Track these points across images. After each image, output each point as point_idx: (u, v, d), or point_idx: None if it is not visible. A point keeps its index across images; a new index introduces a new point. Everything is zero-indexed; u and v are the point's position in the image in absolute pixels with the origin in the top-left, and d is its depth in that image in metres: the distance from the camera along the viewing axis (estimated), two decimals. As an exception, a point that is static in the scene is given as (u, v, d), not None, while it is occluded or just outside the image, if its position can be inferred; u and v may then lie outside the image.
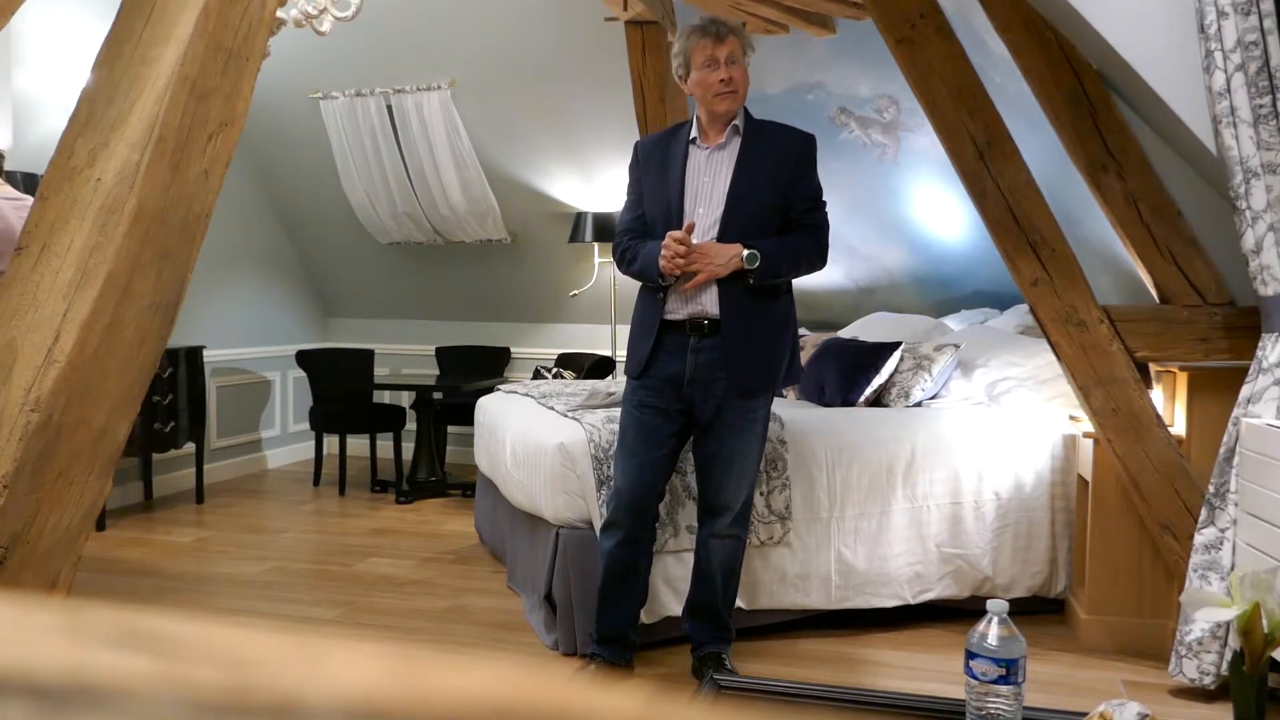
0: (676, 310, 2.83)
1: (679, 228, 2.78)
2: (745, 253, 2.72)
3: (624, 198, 3.09)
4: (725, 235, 2.80)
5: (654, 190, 2.93)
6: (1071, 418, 3.59)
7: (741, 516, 2.93)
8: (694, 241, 2.77)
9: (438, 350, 6.47)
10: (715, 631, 3.00)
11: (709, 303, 2.80)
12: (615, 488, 2.93)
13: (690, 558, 3.24)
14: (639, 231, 2.94)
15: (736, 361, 2.78)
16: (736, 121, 2.86)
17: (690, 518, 3.23)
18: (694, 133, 2.89)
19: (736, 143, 2.86)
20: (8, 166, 3.50)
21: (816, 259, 2.87)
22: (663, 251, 2.75)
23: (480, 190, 5.96)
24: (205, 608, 3.67)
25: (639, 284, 2.96)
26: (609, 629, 2.96)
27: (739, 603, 3.28)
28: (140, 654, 0.26)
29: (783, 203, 2.82)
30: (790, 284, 2.92)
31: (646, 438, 2.86)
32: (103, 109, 1.85)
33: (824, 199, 2.91)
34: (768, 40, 4.99)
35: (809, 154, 2.89)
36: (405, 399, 6.54)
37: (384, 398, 6.76)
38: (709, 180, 2.85)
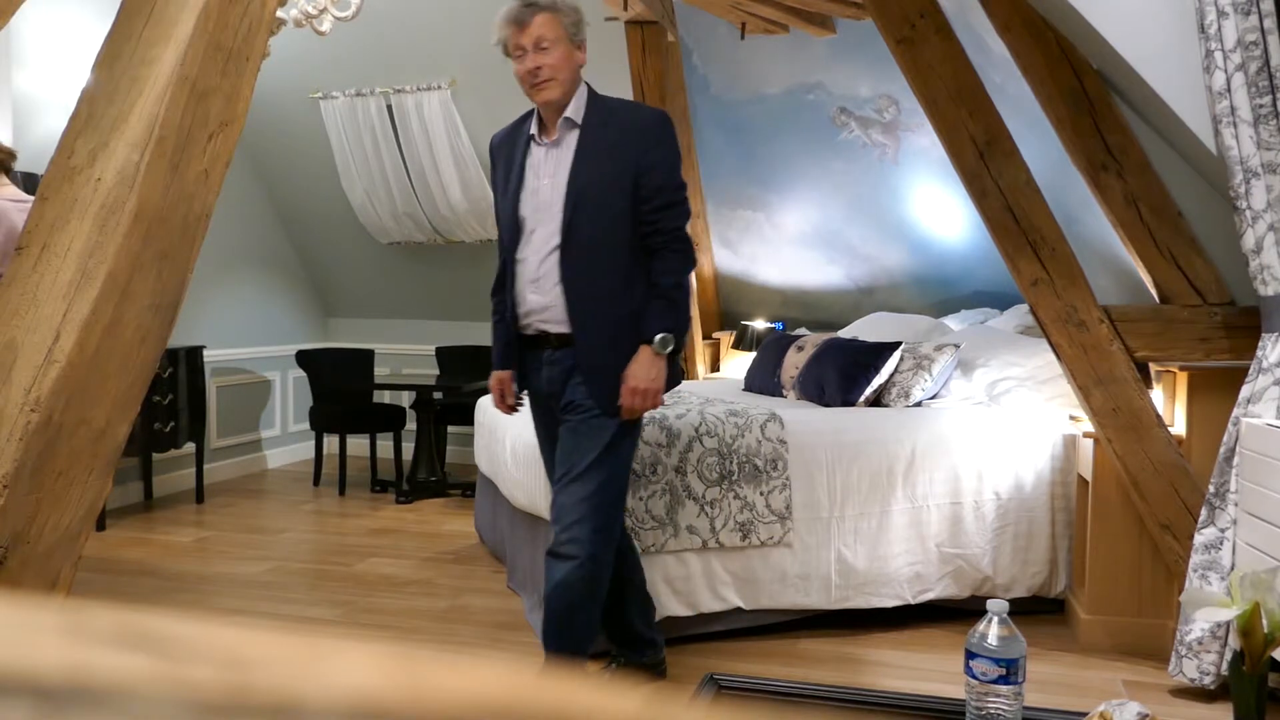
0: (527, 326, 2.61)
1: (517, 245, 2.56)
2: (655, 343, 2.48)
3: None
4: (567, 254, 2.49)
5: (499, 199, 2.65)
6: (1071, 418, 3.59)
7: (582, 539, 2.50)
8: (535, 264, 2.53)
9: (438, 350, 6.48)
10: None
11: (556, 315, 2.54)
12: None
13: (690, 558, 3.25)
14: (503, 269, 2.65)
15: (585, 374, 2.52)
16: (569, 113, 2.52)
17: (690, 518, 3.23)
18: (534, 127, 2.58)
19: (574, 137, 2.52)
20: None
21: (689, 267, 2.57)
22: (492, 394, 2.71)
23: (480, 190, 5.96)
24: (205, 608, 3.67)
25: None
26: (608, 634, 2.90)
27: (739, 602, 3.29)
28: (140, 654, 0.26)
29: (632, 201, 2.48)
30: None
31: (548, 457, 2.75)
32: (103, 109, 1.85)
33: (681, 184, 2.54)
34: (768, 40, 4.99)
35: (657, 135, 2.52)
36: (405, 399, 6.55)
37: (384, 398, 6.76)
38: (547, 184, 2.53)
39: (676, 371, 2.68)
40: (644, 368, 2.48)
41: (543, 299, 2.55)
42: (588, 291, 2.50)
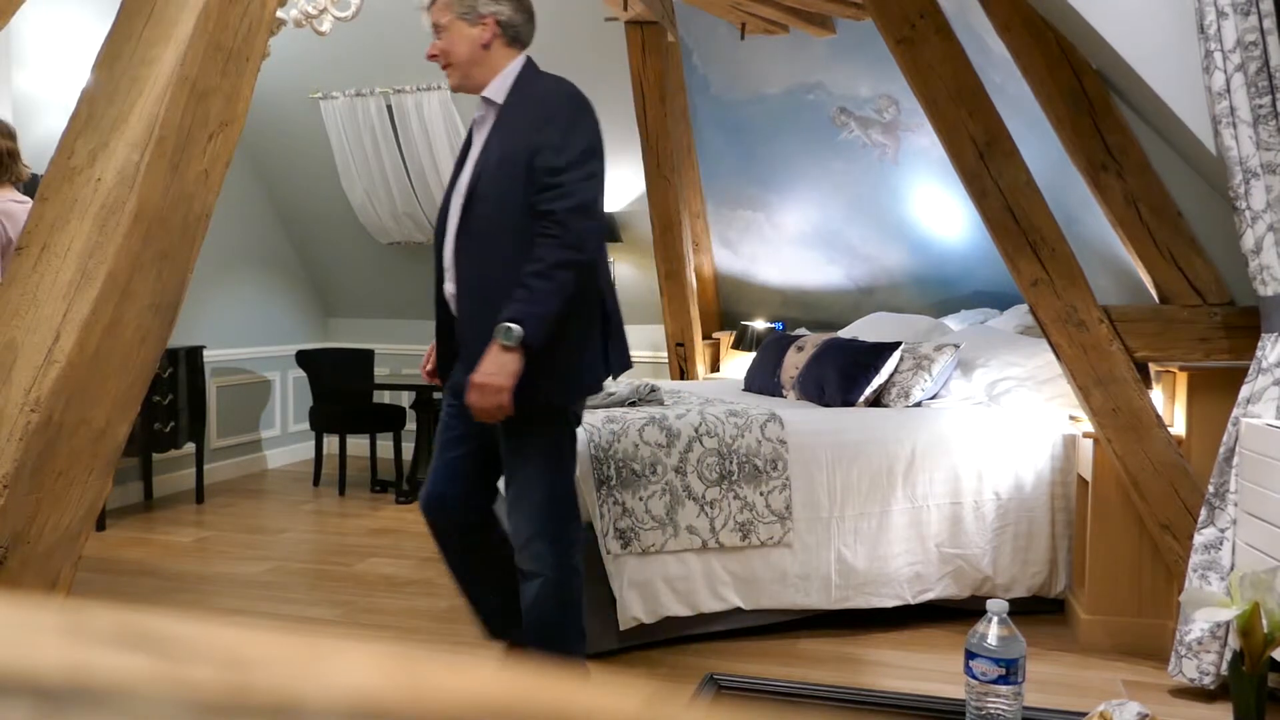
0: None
1: (443, 232, 2.44)
2: (499, 334, 2.22)
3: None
4: (462, 243, 2.35)
5: None
6: (1071, 418, 3.59)
7: (540, 554, 2.42)
8: (448, 251, 2.40)
9: (438, 350, 6.47)
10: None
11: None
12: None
13: (690, 558, 3.24)
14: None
15: (469, 374, 2.29)
16: (487, 93, 2.38)
17: (690, 518, 3.23)
18: (479, 108, 2.47)
19: (493, 117, 2.40)
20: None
21: (572, 263, 2.26)
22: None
23: (480, 190, 5.96)
24: (205, 608, 3.67)
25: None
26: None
27: (738, 602, 3.29)
28: (140, 654, 0.26)
29: (526, 185, 2.30)
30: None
31: (443, 435, 2.56)
32: (103, 109, 1.85)
33: (572, 164, 2.29)
34: (768, 40, 4.99)
35: (550, 112, 2.32)
36: (405, 399, 6.55)
37: (384, 398, 6.76)
38: (467, 168, 2.42)
39: (584, 366, 2.40)
40: (486, 362, 2.23)
41: (452, 289, 2.43)
42: (476, 284, 2.35)
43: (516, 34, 2.43)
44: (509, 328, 2.20)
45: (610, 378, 2.50)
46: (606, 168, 2.47)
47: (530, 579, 2.43)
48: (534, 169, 2.27)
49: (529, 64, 2.43)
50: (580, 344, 2.38)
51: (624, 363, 2.51)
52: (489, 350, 2.23)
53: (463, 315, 2.37)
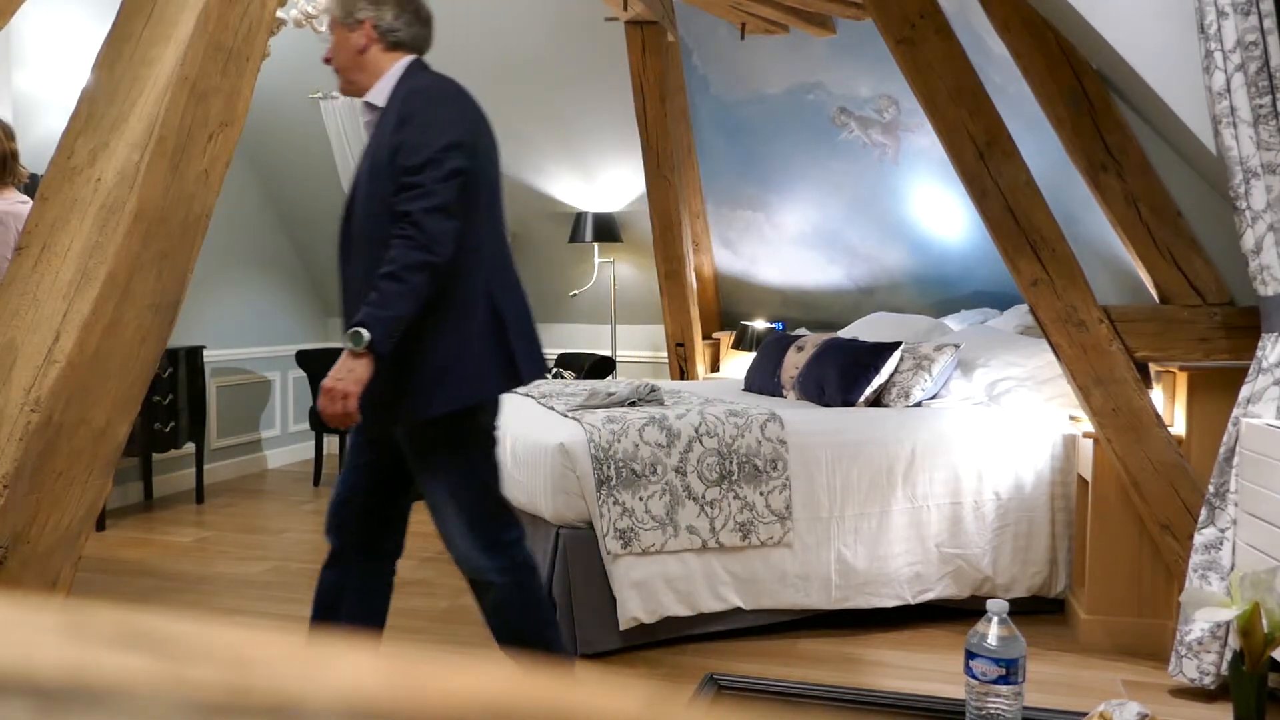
0: None
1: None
2: (348, 337, 2.12)
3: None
4: (344, 245, 2.28)
5: None
6: (1071, 418, 3.59)
7: (481, 567, 2.36)
8: (339, 262, 2.34)
9: (438, 350, 6.47)
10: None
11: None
12: None
13: (690, 558, 3.24)
14: None
15: (372, 387, 2.15)
16: (368, 97, 2.30)
17: (690, 518, 3.23)
18: (364, 113, 2.40)
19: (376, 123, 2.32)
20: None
21: (425, 265, 2.13)
22: None
23: (480, 190, 5.96)
24: (205, 608, 3.67)
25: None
26: None
27: (738, 602, 3.29)
28: (140, 654, 0.26)
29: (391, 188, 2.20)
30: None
31: (353, 441, 2.47)
32: (103, 109, 1.85)
33: (429, 162, 2.15)
34: (768, 40, 4.99)
35: (408, 110, 2.22)
36: (405, 399, 6.54)
37: (384, 398, 6.75)
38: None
39: (465, 376, 2.25)
40: (335, 367, 2.13)
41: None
42: (353, 291, 2.25)
43: (398, 39, 2.33)
44: (356, 332, 2.10)
45: (514, 386, 2.36)
46: (493, 158, 2.36)
47: (483, 592, 2.39)
48: (394, 171, 2.18)
49: (412, 65, 2.34)
50: (457, 352, 2.23)
51: (532, 371, 2.35)
52: (341, 361, 2.14)
53: (345, 325, 2.24)
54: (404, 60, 2.34)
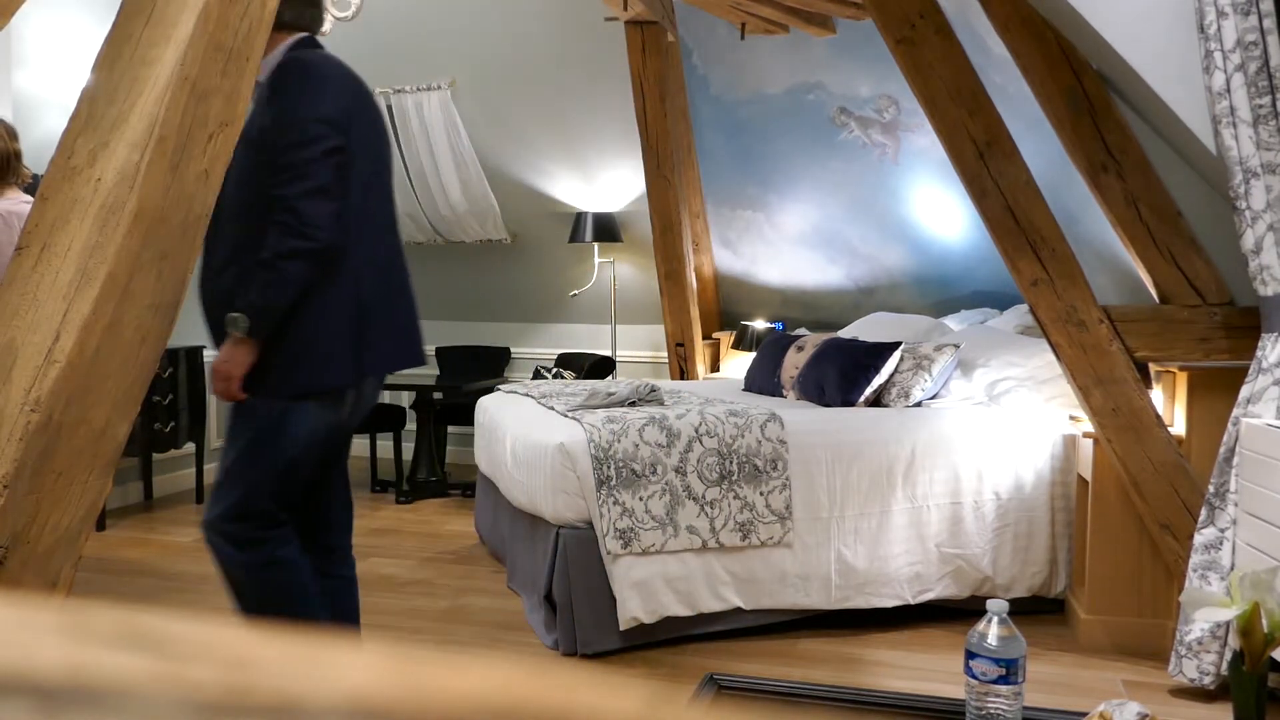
0: None
1: None
2: (229, 323, 2.18)
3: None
4: (210, 238, 2.16)
5: None
6: (1071, 418, 3.59)
7: (228, 533, 2.29)
8: None
9: (438, 350, 6.47)
10: None
11: None
12: None
13: (690, 558, 3.24)
14: None
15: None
16: (259, 75, 2.17)
17: (690, 518, 3.23)
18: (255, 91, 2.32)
19: None
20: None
21: (301, 252, 2.14)
22: None
23: (480, 190, 5.96)
24: (205, 608, 3.67)
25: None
26: None
27: (738, 602, 3.29)
28: (140, 654, 0.26)
29: (250, 167, 2.17)
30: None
31: None
32: (103, 109, 1.85)
33: (299, 143, 2.13)
34: (768, 40, 4.99)
35: (275, 87, 2.17)
36: (405, 399, 6.54)
37: (384, 398, 6.75)
38: None
39: (314, 362, 2.25)
40: (222, 349, 2.22)
41: None
42: (219, 256, 2.27)
43: (280, 20, 2.21)
44: (234, 318, 2.17)
45: (370, 377, 2.36)
46: (374, 135, 2.33)
47: (217, 552, 2.31)
48: (265, 148, 2.14)
49: (298, 42, 2.32)
50: (310, 336, 2.23)
51: (385, 362, 2.37)
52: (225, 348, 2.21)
53: (201, 295, 2.31)
54: (290, 39, 2.32)
